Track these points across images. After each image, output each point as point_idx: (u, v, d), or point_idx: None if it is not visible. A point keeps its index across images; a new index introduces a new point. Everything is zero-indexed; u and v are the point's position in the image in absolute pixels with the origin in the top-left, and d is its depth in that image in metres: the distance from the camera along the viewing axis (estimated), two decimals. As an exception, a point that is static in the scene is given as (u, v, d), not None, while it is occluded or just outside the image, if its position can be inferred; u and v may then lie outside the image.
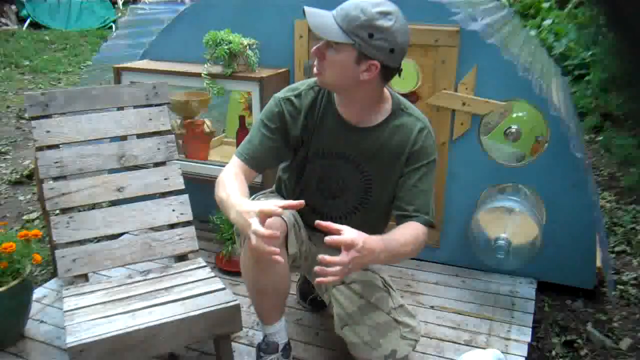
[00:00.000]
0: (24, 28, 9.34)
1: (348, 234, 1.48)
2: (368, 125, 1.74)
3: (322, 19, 1.59)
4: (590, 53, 5.15)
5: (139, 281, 1.99)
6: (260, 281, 1.76)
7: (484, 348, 2.04)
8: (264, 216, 1.50)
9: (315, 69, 1.66)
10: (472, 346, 2.08)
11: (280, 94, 1.80)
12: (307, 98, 1.77)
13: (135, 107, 2.25)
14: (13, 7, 9.71)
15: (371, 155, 1.76)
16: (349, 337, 1.78)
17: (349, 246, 1.46)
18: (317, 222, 1.51)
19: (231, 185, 1.67)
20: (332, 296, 1.83)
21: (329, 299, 1.87)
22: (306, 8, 1.59)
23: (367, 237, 1.51)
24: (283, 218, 1.70)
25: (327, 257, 1.45)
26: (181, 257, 2.15)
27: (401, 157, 1.75)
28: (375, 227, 1.87)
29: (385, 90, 1.75)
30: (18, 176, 3.83)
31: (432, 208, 1.76)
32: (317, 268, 1.49)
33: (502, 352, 1.98)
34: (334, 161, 1.79)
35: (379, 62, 1.57)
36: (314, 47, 1.63)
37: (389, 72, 1.64)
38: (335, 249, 1.56)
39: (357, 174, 1.79)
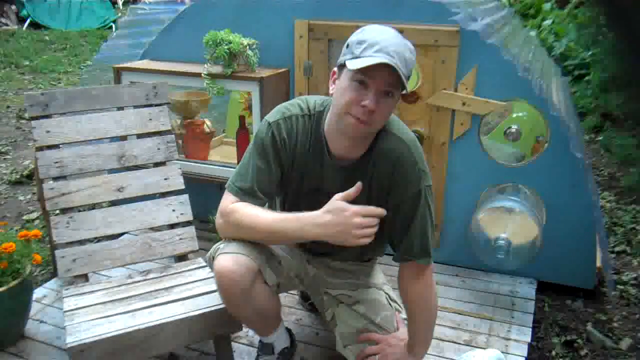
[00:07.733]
0: (24, 28, 9.34)
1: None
2: (354, 158, 1.61)
3: (400, 71, 1.42)
4: (590, 53, 5.15)
5: (139, 281, 1.99)
6: (240, 314, 1.73)
7: (484, 348, 2.04)
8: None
9: (360, 119, 1.46)
10: (472, 346, 2.08)
11: (271, 117, 1.64)
12: (299, 124, 1.63)
13: (135, 107, 2.25)
14: (13, 7, 9.72)
15: (362, 192, 1.58)
16: (351, 358, 1.77)
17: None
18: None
19: (261, 210, 1.60)
20: (336, 315, 1.82)
21: (331, 316, 1.84)
22: (391, 62, 1.39)
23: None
24: (249, 256, 1.61)
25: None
26: (181, 257, 2.15)
27: (385, 189, 1.63)
28: (368, 251, 1.83)
29: None
30: (18, 176, 3.82)
31: (430, 244, 1.63)
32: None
33: (502, 352, 1.98)
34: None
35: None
36: (371, 101, 1.43)
37: None
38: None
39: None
